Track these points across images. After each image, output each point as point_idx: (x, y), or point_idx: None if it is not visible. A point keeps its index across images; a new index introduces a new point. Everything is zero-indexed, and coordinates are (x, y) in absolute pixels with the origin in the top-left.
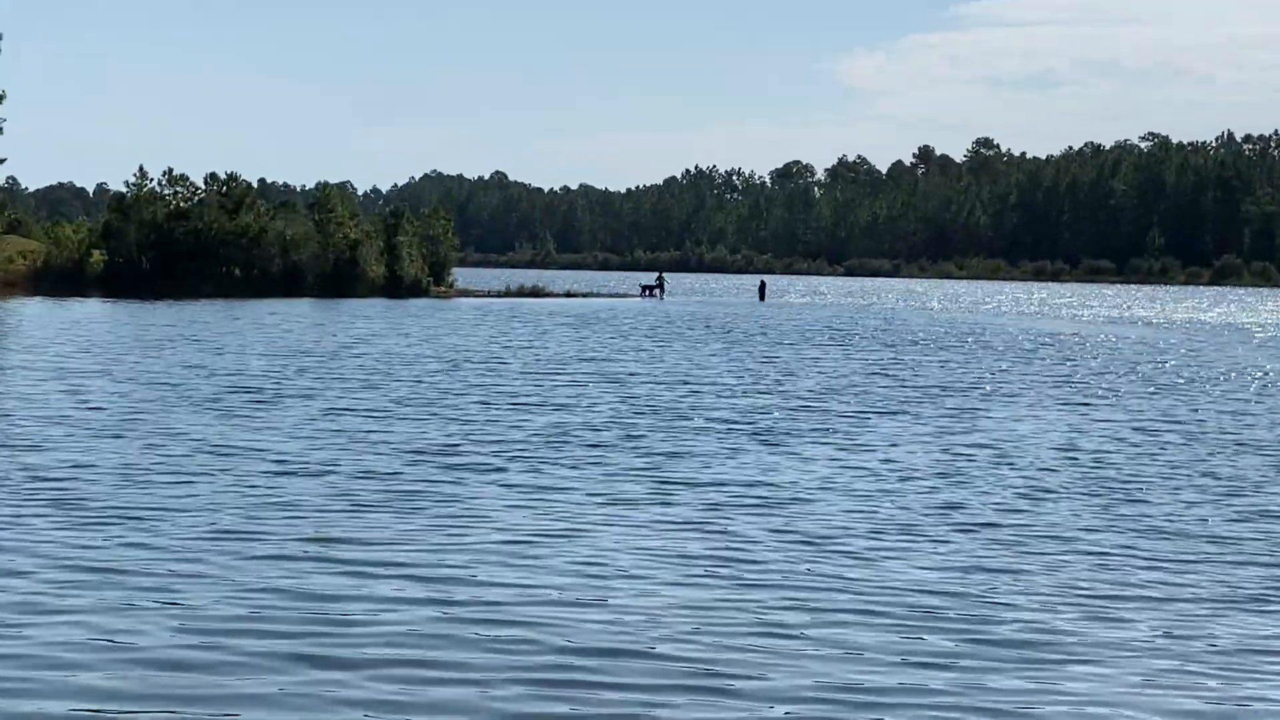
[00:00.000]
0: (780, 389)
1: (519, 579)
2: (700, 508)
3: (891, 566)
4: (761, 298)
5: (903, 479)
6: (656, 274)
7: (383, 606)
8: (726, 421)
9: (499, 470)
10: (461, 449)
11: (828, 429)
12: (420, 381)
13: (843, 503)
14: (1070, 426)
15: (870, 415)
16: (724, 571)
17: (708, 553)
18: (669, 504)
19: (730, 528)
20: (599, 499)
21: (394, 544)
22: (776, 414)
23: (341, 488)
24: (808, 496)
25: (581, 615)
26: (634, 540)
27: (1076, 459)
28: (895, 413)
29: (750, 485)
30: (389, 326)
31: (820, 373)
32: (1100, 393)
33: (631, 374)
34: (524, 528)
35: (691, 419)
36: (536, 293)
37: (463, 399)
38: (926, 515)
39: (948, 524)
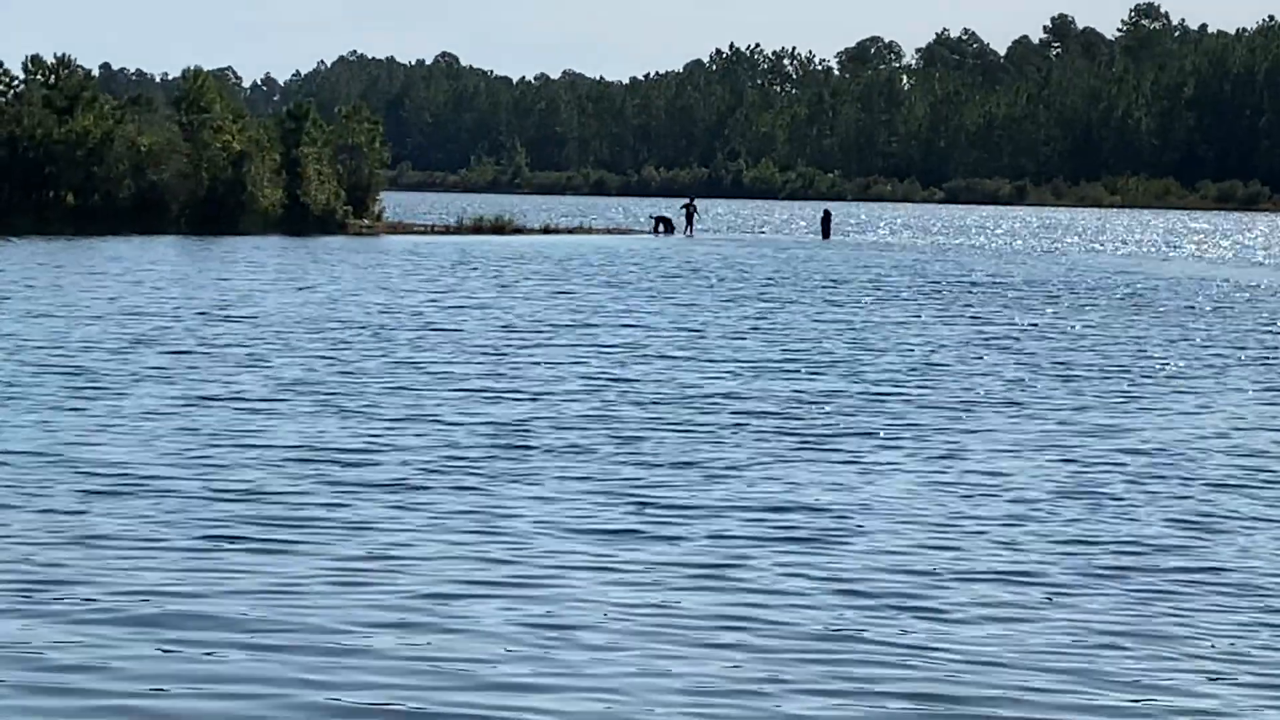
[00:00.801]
0: (839, 367)
1: (432, 654)
2: (708, 543)
3: (990, 642)
4: (825, 234)
5: (1011, 500)
6: (685, 201)
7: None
8: (756, 416)
9: (419, 489)
10: (369, 457)
11: (904, 426)
12: (321, 358)
13: (917, 536)
14: (1263, 422)
15: (970, 408)
16: (738, 644)
17: (715, 612)
18: (664, 538)
19: (750, 575)
20: (564, 530)
21: (245, 605)
22: (831, 405)
23: (190, 521)
24: (863, 527)
25: (525, 709)
26: (610, 593)
27: (1265, 468)
28: (1005, 404)
29: (780, 511)
30: (283, 277)
31: (901, 345)
32: None
33: (628, 347)
34: (448, 574)
35: (706, 413)
36: (500, 228)
37: (378, 384)
38: (1043, 556)
39: (1072, 569)
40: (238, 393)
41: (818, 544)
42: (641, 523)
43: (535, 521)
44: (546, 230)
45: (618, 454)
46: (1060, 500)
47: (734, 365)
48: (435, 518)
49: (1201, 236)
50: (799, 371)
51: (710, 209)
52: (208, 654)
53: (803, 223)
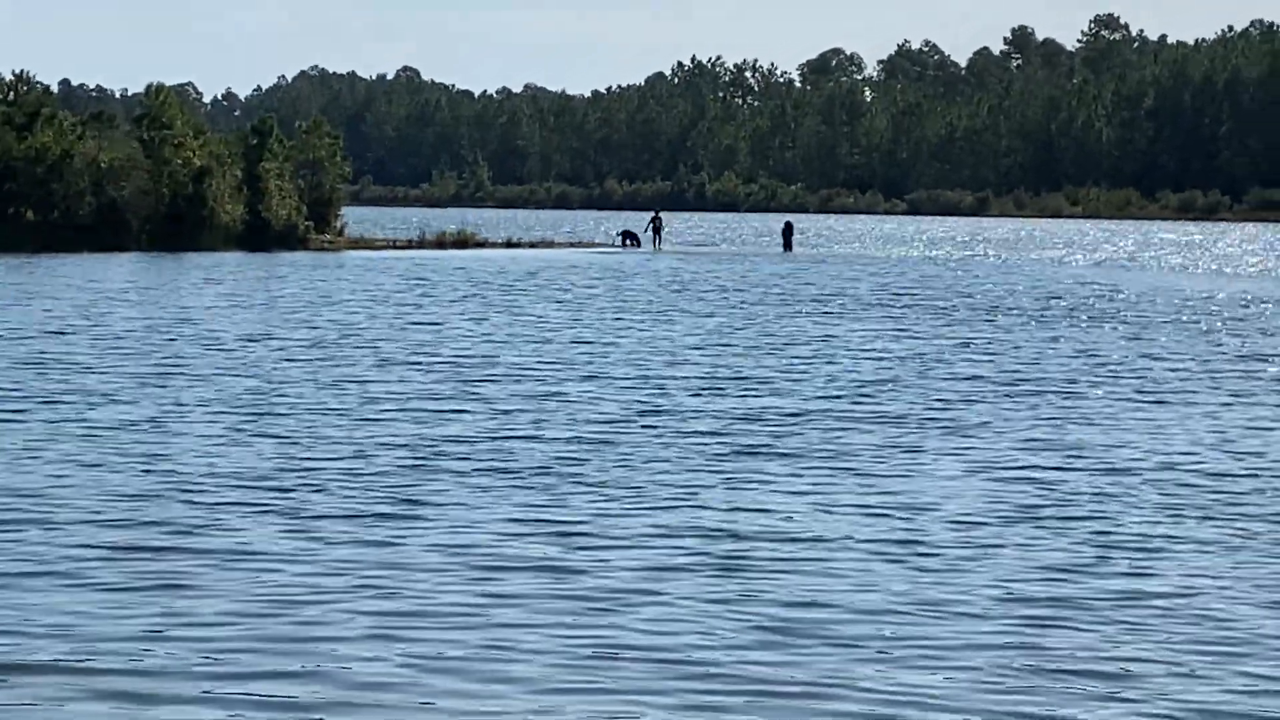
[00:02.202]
0: (790, 380)
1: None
2: (634, 574)
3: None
4: (787, 245)
5: (931, 520)
6: (652, 215)
7: None
8: (699, 436)
9: (322, 518)
10: (278, 481)
11: (846, 447)
12: (254, 377)
13: (846, 568)
14: (1223, 431)
15: (922, 426)
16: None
17: (641, 660)
18: (576, 570)
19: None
20: (487, 559)
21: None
22: (775, 424)
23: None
24: (794, 554)
25: None
26: (529, 637)
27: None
28: (955, 426)
29: (711, 537)
30: (235, 293)
31: (851, 355)
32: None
33: (576, 364)
34: (342, 608)
35: (649, 432)
36: (463, 242)
37: (311, 401)
38: (958, 578)
39: (995, 598)
40: (144, 415)
41: (756, 573)
42: (562, 554)
43: (446, 555)
44: (510, 244)
45: (550, 482)
46: (981, 506)
47: (681, 381)
48: (327, 546)
49: (1167, 245)
50: (741, 387)
51: (670, 222)
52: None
53: (766, 234)
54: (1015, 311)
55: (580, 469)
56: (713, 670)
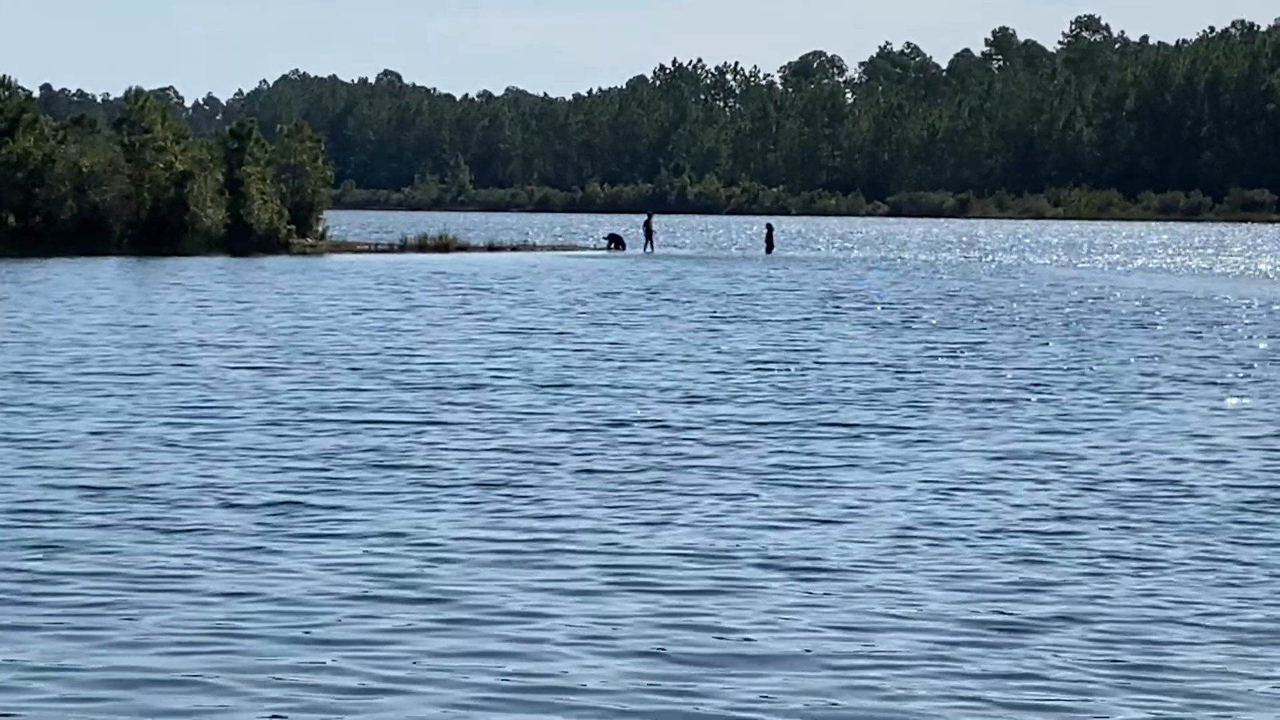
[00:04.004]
0: (755, 386)
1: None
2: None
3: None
4: (769, 248)
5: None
6: (645, 218)
7: None
8: (643, 448)
9: (198, 533)
10: (174, 496)
11: (785, 458)
12: (194, 386)
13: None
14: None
15: (873, 433)
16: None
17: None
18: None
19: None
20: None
21: None
22: (734, 428)
23: None
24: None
25: None
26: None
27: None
28: (911, 432)
29: (615, 553)
30: (206, 298)
31: (820, 363)
32: (1250, 380)
33: (516, 372)
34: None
35: (568, 452)
36: (445, 246)
37: (244, 407)
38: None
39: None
40: (64, 433)
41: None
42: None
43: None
44: (491, 248)
45: (477, 497)
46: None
47: (638, 391)
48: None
49: (1149, 246)
50: (700, 393)
51: (655, 224)
52: None
53: (748, 237)
54: None
55: (462, 479)
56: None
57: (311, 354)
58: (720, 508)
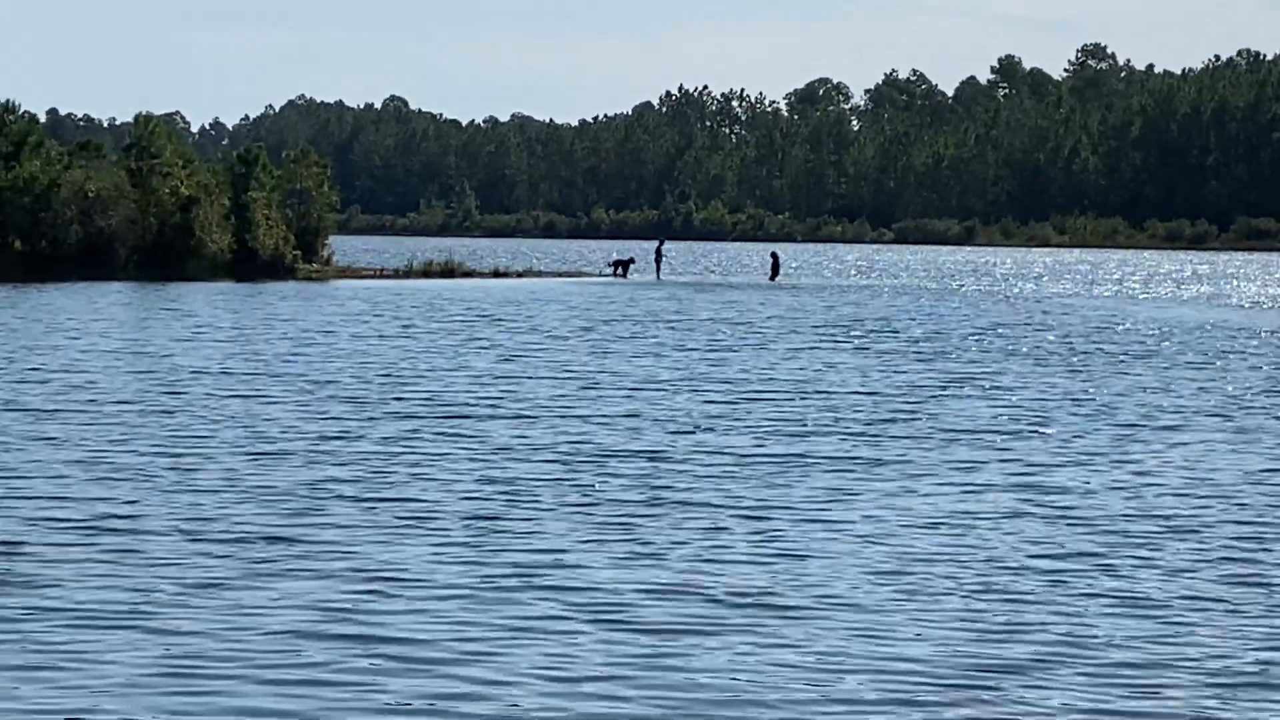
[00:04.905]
0: (750, 417)
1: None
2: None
3: None
4: (774, 275)
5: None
6: (657, 244)
7: None
8: (609, 479)
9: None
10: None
11: (772, 492)
12: (178, 414)
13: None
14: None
15: (863, 467)
16: None
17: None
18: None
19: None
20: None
21: None
22: (725, 461)
23: None
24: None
25: None
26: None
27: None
28: (901, 466)
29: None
30: (202, 324)
31: (817, 393)
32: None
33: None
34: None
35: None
36: (450, 271)
37: (226, 437)
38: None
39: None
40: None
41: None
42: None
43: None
44: (497, 274)
45: (452, 527)
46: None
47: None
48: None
49: (1155, 274)
50: (671, 422)
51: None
52: None
53: (754, 263)
54: None
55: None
56: None
57: (300, 383)
58: (699, 544)
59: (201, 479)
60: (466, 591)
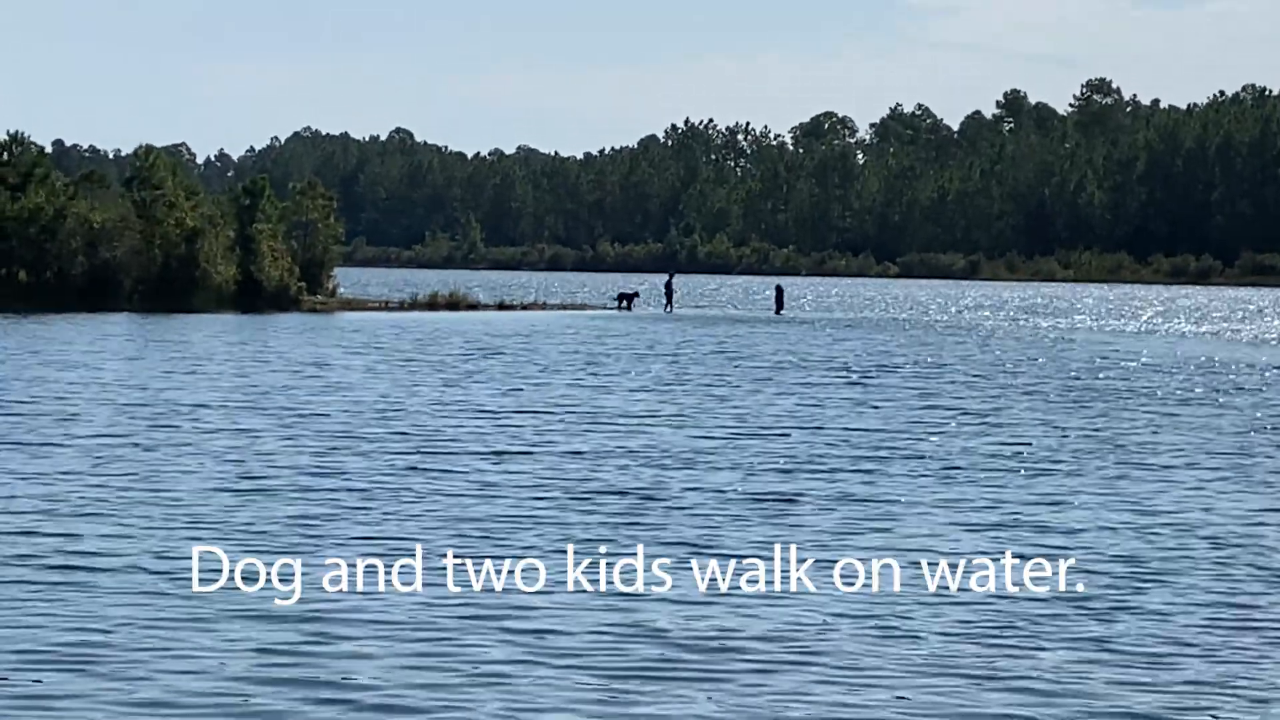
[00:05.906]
0: (746, 453)
1: None
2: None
3: None
4: (779, 308)
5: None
6: (668, 277)
7: None
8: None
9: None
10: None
11: (759, 530)
12: (162, 449)
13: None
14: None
15: (851, 503)
16: None
17: None
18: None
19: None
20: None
21: None
22: (716, 499)
23: None
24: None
25: None
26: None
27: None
28: (891, 505)
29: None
30: (198, 356)
31: (816, 429)
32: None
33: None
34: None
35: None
36: (455, 304)
37: (205, 473)
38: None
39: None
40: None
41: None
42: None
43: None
44: (502, 306)
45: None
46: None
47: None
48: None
49: (1162, 310)
50: (640, 461)
51: (662, 284)
52: None
53: (759, 297)
54: None
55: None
56: None
57: (289, 417)
58: (671, 584)
59: (178, 515)
60: (430, 633)
